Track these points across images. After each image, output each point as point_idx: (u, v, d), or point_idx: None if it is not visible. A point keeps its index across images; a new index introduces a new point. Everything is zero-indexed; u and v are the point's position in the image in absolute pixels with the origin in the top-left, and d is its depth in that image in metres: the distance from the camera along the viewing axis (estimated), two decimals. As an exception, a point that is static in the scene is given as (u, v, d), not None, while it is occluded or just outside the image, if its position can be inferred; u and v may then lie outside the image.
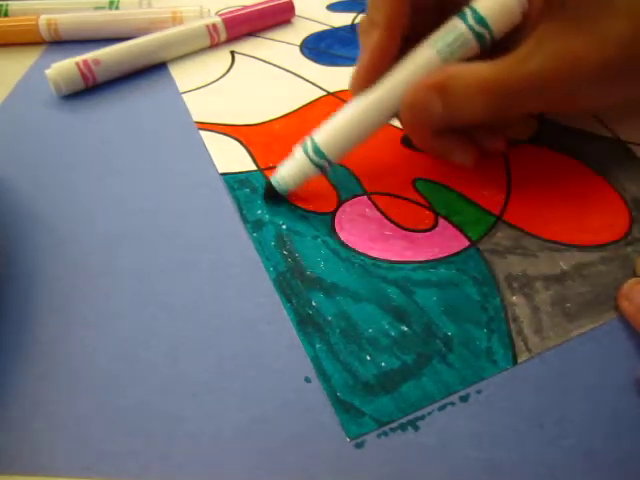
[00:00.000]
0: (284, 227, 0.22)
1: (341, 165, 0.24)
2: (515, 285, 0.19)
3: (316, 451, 0.16)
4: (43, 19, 0.34)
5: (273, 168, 0.24)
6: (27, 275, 0.21)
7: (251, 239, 0.21)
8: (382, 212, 0.22)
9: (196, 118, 0.28)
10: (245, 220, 0.22)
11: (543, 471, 0.15)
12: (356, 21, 0.35)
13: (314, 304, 0.19)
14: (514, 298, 0.19)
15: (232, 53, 0.33)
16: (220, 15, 0.34)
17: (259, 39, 0.34)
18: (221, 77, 0.31)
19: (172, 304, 0.20)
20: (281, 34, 0.35)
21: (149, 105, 0.29)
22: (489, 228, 0.21)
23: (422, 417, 0.16)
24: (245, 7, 0.35)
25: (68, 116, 0.29)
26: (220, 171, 0.24)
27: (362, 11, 0.36)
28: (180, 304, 0.19)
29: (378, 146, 0.25)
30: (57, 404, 0.17)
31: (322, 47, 0.33)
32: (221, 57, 0.32)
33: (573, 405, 0.16)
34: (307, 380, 0.17)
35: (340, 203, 0.23)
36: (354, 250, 0.21)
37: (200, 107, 0.28)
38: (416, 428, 0.16)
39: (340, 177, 0.24)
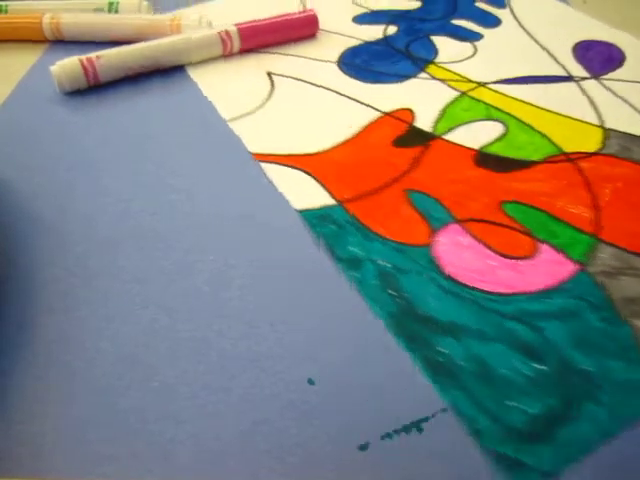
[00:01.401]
0: (383, 264, 0.21)
1: (423, 192, 0.23)
2: (636, 308, 0.19)
3: (319, 453, 0.16)
4: (47, 17, 0.34)
5: (351, 201, 0.23)
6: (27, 276, 0.21)
7: (348, 279, 0.20)
8: (478, 240, 0.21)
9: (252, 149, 0.26)
10: (338, 259, 0.21)
11: None
12: (387, 33, 0.34)
13: (440, 349, 0.18)
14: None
15: (269, 75, 0.31)
16: (236, 25, 0.32)
17: (291, 57, 0.33)
18: (266, 101, 0.29)
19: (171, 306, 0.19)
20: (312, 50, 0.33)
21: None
22: (590, 249, 0.21)
23: (426, 418, 0.16)
24: (264, 19, 0.33)
25: (69, 116, 0.28)
26: (297, 207, 0.23)
27: (389, 22, 0.35)
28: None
29: (453, 168, 0.25)
30: (57, 406, 0.17)
31: (359, 63, 0.32)
32: (257, 78, 0.31)
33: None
34: (310, 382, 0.17)
35: (433, 233, 0.22)
36: (463, 284, 0.20)
37: (252, 136, 0.27)
38: (420, 430, 0.16)
39: (426, 205, 0.23)
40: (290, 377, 0.17)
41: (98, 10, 0.35)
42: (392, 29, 0.35)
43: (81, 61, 0.30)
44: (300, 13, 0.34)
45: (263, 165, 0.25)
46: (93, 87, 0.30)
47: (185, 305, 0.19)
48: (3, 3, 0.35)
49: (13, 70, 0.32)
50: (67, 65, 0.29)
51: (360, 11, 0.37)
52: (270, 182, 0.24)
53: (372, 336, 0.19)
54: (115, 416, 0.17)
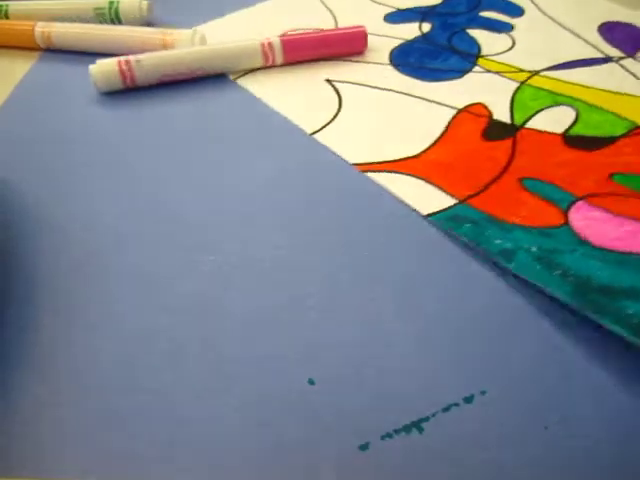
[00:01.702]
0: (535, 249, 0.21)
1: (535, 178, 0.24)
2: None
3: (319, 453, 0.16)
4: (39, 26, 0.34)
5: (473, 197, 0.24)
6: (29, 276, 0.21)
7: (512, 270, 0.21)
8: (607, 211, 0.23)
9: (353, 160, 0.26)
10: (490, 254, 0.21)
11: (547, 472, 0.16)
12: (424, 30, 0.35)
13: (630, 311, 0.19)
14: None
15: (329, 82, 0.31)
16: (280, 36, 0.32)
17: (342, 62, 0.33)
18: (339, 109, 0.29)
19: (173, 306, 0.20)
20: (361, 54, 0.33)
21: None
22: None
23: (426, 418, 0.17)
24: (310, 32, 0.33)
25: (69, 117, 0.29)
26: (424, 212, 0.23)
27: (422, 20, 0.36)
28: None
29: (549, 153, 0.26)
30: (58, 406, 0.17)
31: (414, 62, 0.32)
32: (317, 86, 0.31)
33: (577, 405, 0.17)
34: (310, 382, 0.18)
35: (563, 213, 0.23)
36: (618, 251, 0.21)
37: (343, 147, 0.27)
38: (420, 430, 0.16)
39: (543, 189, 0.24)
40: (290, 377, 0.18)
41: (98, 9, 0.35)
42: (426, 26, 0.36)
43: (119, 63, 0.30)
44: (349, 29, 0.33)
45: (369, 175, 0.25)
46: (131, 89, 0.31)
47: (187, 305, 0.20)
48: (3, 3, 0.34)
49: (11, 72, 0.32)
50: (104, 66, 0.30)
51: (388, 10, 0.37)
52: (386, 190, 0.24)
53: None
54: (115, 416, 0.17)
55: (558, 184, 0.24)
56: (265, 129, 0.28)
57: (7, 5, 0.35)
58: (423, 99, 0.30)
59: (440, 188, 0.24)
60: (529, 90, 0.30)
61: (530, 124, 0.28)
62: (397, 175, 0.25)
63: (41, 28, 0.34)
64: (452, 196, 0.24)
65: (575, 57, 0.32)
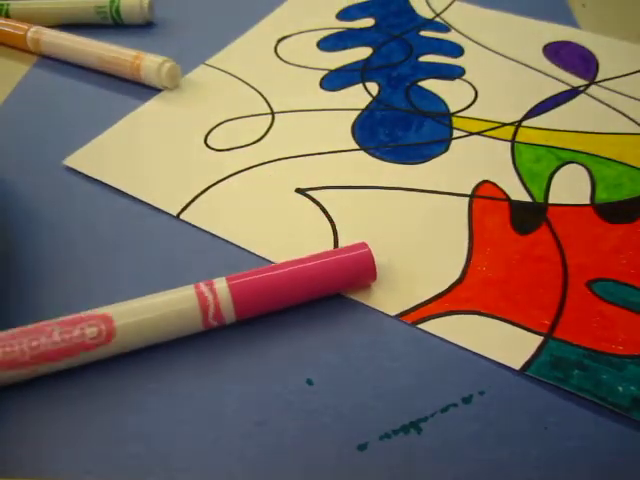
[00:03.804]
0: (664, 391, 0.18)
1: (600, 279, 0.21)
2: None
3: (319, 453, 0.16)
4: (30, 32, 0.32)
5: (555, 326, 0.19)
6: (30, 275, 0.21)
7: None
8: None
9: (392, 311, 0.20)
10: (620, 408, 0.17)
11: (547, 472, 0.15)
12: (373, 92, 0.30)
13: None
14: None
15: (302, 192, 0.24)
16: (228, 279, 0.18)
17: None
18: (336, 233, 0.23)
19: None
20: (320, 130, 0.27)
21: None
22: None
23: (425, 419, 0.17)
24: (283, 265, 0.19)
25: (67, 118, 0.28)
26: (517, 366, 0.18)
27: (364, 80, 0.31)
28: None
29: (592, 235, 0.22)
30: (57, 406, 0.17)
31: (386, 140, 0.27)
32: (293, 203, 0.24)
33: (577, 406, 0.17)
34: (309, 382, 0.18)
35: (659, 325, 0.19)
36: None
37: (373, 295, 0.21)
38: (419, 430, 0.16)
39: (616, 292, 0.20)
40: (289, 377, 0.18)
41: (99, 8, 0.34)
42: (372, 87, 0.30)
43: None
44: (346, 251, 0.20)
45: (422, 326, 0.20)
46: None
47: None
48: (4, 2, 0.34)
49: (11, 72, 0.31)
50: None
51: (320, 74, 0.31)
52: (449, 344, 0.19)
53: None
54: (115, 416, 0.17)
55: (629, 282, 0.21)
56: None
57: (8, 4, 0.34)
58: (424, 191, 0.24)
59: (511, 321, 0.20)
60: (526, 151, 0.26)
61: (553, 198, 0.24)
62: (456, 317, 0.20)
63: (31, 34, 0.32)
64: (531, 330, 0.19)
65: (543, 96, 0.29)
